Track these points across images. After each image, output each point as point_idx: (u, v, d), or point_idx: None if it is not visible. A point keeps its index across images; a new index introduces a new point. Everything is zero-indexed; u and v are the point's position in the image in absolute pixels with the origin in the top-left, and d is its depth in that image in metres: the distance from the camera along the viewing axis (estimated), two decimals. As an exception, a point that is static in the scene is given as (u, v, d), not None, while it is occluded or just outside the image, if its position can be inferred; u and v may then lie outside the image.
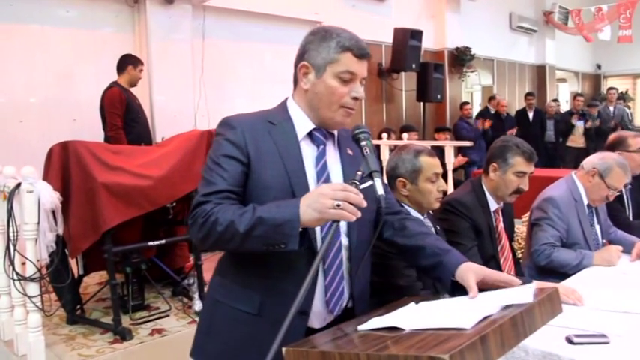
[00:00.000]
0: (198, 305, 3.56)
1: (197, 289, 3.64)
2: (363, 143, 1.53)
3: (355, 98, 1.56)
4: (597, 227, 3.09)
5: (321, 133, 1.62)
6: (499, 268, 2.72)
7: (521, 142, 2.71)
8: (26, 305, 2.92)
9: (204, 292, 3.66)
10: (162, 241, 3.52)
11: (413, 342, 1.22)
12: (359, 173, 1.45)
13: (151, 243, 3.46)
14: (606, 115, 10.47)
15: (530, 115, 10.23)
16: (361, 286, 1.68)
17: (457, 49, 9.79)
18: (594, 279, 2.53)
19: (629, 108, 11.55)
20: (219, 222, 1.41)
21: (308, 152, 1.60)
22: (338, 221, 1.38)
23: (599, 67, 14.81)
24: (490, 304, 1.44)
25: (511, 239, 2.93)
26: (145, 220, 3.66)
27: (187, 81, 6.03)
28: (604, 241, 2.97)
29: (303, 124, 1.60)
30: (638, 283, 2.47)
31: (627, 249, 2.93)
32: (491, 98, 9.83)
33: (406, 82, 9.22)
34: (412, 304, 1.60)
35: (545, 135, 10.29)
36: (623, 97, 12.36)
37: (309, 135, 1.61)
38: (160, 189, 3.37)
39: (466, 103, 9.48)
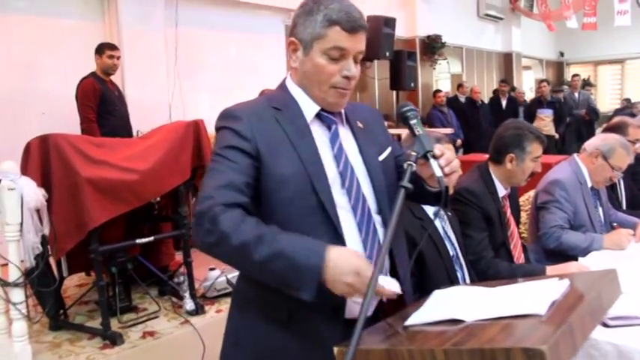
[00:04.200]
0: (189, 305, 3.39)
1: (188, 288, 3.46)
2: (413, 122, 1.41)
3: (347, 77, 1.41)
4: (600, 209, 3.07)
5: (329, 112, 1.49)
6: (509, 255, 2.66)
7: (534, 128, 2.67)
8: (9, 312, 2.71)
9: (194, 291, 3.49)
10: (151, 239, 3.33)
11: (492, 334, 1.10)
12: (413, 154, 1.34)
13: (138, 241, 3.27)
14: (572, 101, 10.61)
15: (504, 102, 10.25)
16: (404, 265, 1.54)
17: (428, 37, 9.76)
18: (605, 262, 2.47)
19: (592, 94, 11.76)
20: (231, 236, 1.23)
21: (320, 135, 1.46)
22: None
23: (562, 54, 15.04)
24: (536, 292, 1.36)
25: (518, 224, 2.86)
26: (127, 217, 3.45)
27: (161, 72, 5.80)
28: (615, 224, 2.93)
29: (308, 105, 1.47)
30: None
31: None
32: (460, 86, 9.85)
33: (379, 71, 9.14)
34: (447, 294, 1.51)
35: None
36: (587, 83, 12.55)
37: (318, 116, 1.47)
38: (146, 183, 3.17)
39: (439, 90, 9.46)
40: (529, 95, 12.47)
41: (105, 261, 3.23)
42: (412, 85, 8.97)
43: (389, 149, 1.60)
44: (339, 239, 1.36)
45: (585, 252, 2.69)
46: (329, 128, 1.48)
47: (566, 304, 1.22)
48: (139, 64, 5.60)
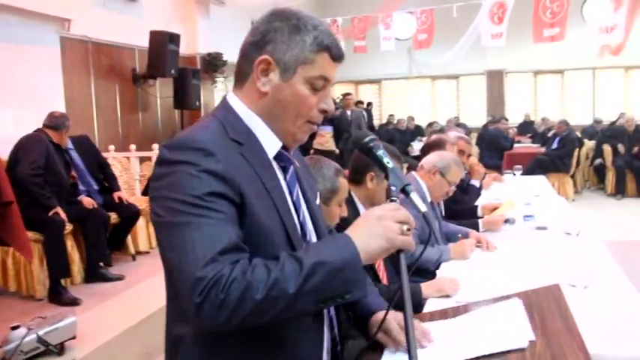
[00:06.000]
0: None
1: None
2: (380, 152, 1.25)
3: (324, 111, 1.25)
4: (436, 222, 3.23)
5: (286, 151, 1.28)
6: (376, 275, 2.62)
7: (391, 147, 2.69)
8: None
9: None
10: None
11: None
12: (393, 188, 1.17)
13: None
14: (345, 119, 11.35)
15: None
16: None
17: (209, 54, 9.60)
18: (457, 272, 2.59)
19: (367, 112, 12.77)
20: (253, 287, 0.99)
21: (280, 178, 1.26)
22: (402, 251, 1.09)
23: (326, 74, 16.09)
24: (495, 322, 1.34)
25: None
26: None
27: None
28: (459, 235, 3.10)
29: (270, 140, 1.23)
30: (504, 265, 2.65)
31: (456, 239, 3.10)
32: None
33: (161, 89, 8.68)
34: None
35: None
36: (360, 102, 13.60)
37: (276, 155, 1.26)
38: None
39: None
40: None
41: None
42: (197, 104, 8.74)
43: (318, 191, 1.47)
44: None
45: (436, 264, 2.79)
46: (284, 169, 1.27)
47: (550, 330, 1.22)
48: None
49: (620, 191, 9.20)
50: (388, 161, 1.24)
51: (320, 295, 1.04)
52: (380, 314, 1.33)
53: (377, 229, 1.08)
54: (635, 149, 9.18)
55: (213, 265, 1.00)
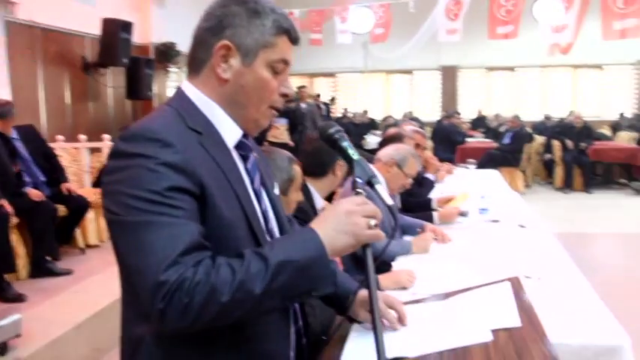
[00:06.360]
0: None
1: None
2: (345, 144, 1.23)
3: (285, 95, 1.23)
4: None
5: (246, 139, 1.25)
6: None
7: None
8: None
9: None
10: None
11: None
12: (359, 181, 1.15)
13: None
14: (299, 112, 11.31)
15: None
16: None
17: (163, 44, 9.40)
18: (414, 265, 2.58)
19: (326, 105, 12.76)
20: (218, 290, 0.96)
21: (240, 167, 1.23)
22: (369, 245, 1.07)
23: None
24: (474, 307, 1.35)
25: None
26: None
27: None
28: (418, 229, 3.10)
29: (230, 129, 1.20)
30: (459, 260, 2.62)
31: (412, 232, 3.12)
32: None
33: (113, 79, 8.45)
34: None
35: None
36: (318, 95, 13.58)
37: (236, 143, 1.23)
38: None
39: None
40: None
41: None
42: (150, 94, 8.57)
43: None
44: None
45: (394, 257, 2.79)
46: (244, 158, 1.23)
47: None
48: None
49: (567, 185, 9.51)
50: (353, 153, 1.22)
51: (287, 293, 1.02)
52: (362, 293, 1.38)
53: (344, 226, 1.06)
54: (583, 145, 9.49)
55: (176, 267, 0.96)
